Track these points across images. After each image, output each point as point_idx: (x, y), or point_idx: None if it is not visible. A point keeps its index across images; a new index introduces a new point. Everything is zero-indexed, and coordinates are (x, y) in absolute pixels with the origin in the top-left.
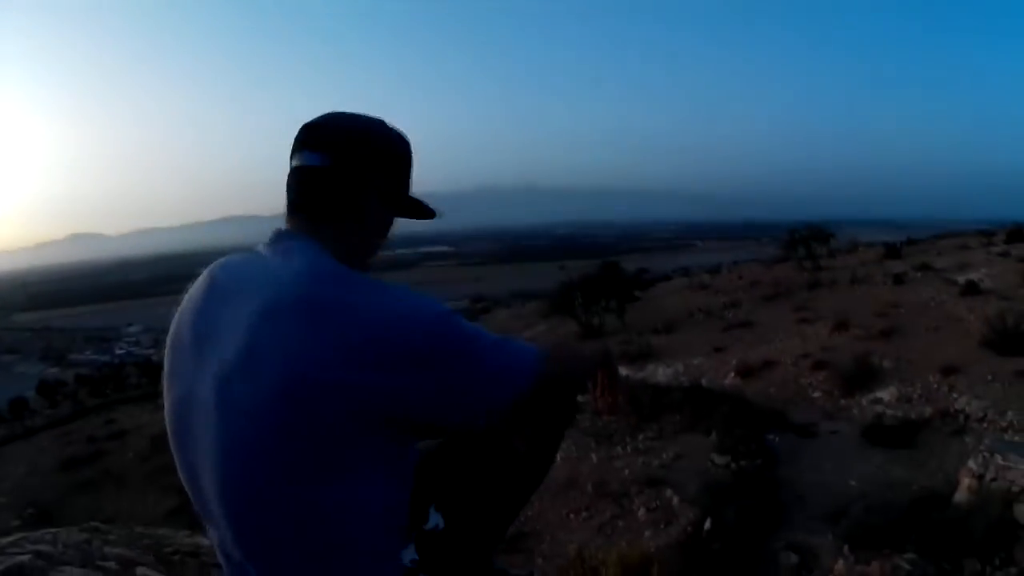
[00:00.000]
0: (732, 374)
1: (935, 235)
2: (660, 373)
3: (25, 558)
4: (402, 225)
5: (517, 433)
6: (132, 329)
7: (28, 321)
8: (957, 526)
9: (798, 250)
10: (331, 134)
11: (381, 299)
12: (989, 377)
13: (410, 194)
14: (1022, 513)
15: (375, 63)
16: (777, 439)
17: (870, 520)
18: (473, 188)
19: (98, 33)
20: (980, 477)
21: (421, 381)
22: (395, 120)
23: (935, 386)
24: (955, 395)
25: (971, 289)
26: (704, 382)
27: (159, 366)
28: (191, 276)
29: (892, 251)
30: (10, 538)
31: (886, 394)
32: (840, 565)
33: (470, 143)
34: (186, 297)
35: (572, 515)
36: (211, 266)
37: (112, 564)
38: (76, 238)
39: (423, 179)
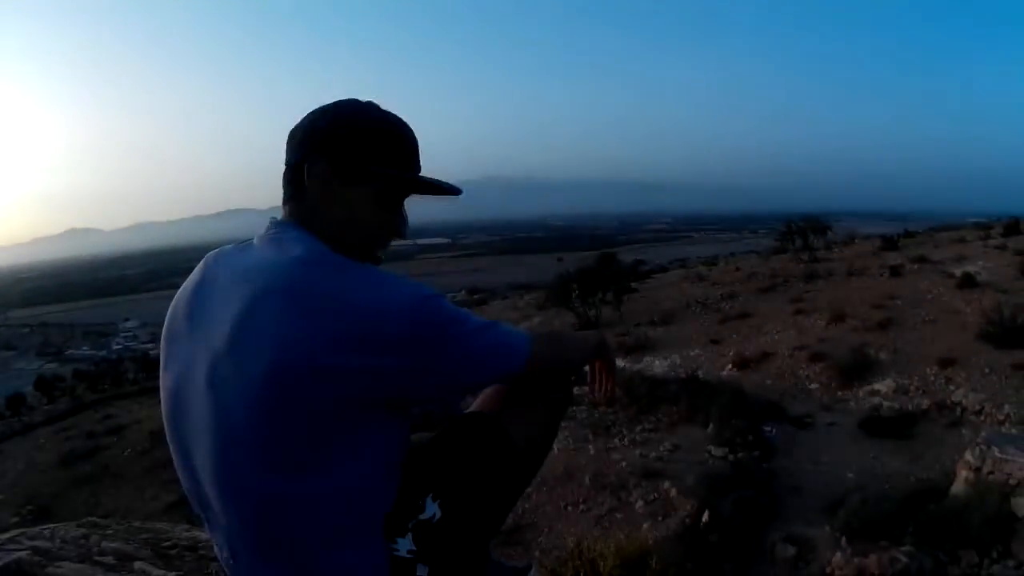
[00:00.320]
0: (729, 366)
1: (932, 227)
2: (657, 365)
3: (23, 554)
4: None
5: (512, 420)
6: (129, 324)
7: (25, 317)
8: (954, 519)
9: (795, 242)
10: (302, 130)
11: (366, 284)
12: (986, 370)
13: (414, 174)
14: (1019, 506)
15: (376, 53)
16: (774, 431)
17: (867, 512)
18: (473, 180)
19: (94, 26)
20: (977, 470)
21: (406, 364)
22: (399, 111)
23: (932, 378)
24: (952, 387)
25: (968, 282)
26: (701, 374)
27: (157, 361)
28: (188, 271)
29: (889, 243)
30: (8, 534)
31: (883, 386)
32: (838, 557)
33: (471, 135)
34: (181, 287)
35: (570, 507)
36: (206, 256)
37: (110, 559)
38: (72, 233)
39: (427, 171)
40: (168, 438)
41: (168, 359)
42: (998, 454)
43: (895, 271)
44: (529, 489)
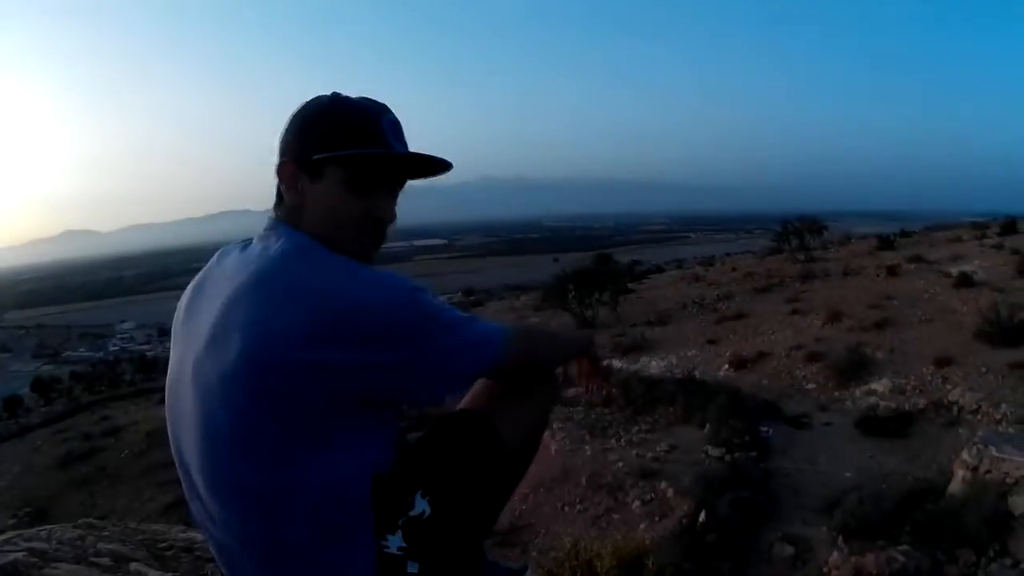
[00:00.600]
0: (726, 366)
1: (928, 227)
2: (654, 365)
3: (19, 555)
4: (397, 217)
5: (499, 416)
6: (126, 325)
7: (21, 319)
8: (951, 518)
9: (791, 242)
10: (282, 133)
11: (343, 277)
12: (983, 369)
13: (381, 150)
14: (1016, 504)
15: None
16: (771, 431)
17: (864, 511)
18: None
19: (89, 28)
20: (974, 469)
21: (382, 358)
22: (392, 108)
23: (929, 378)
24: (949, 387)
25: (965, 281)
26: (698, 374)
27: (153, 362)
28: (185, 272)
29: (885, 243)
30: (5, 536)
31: (880, 385)
32: (835, 557)
33: (465, 136)
34: (188, 286)
35: (567, 508)
36: (214, 255)
37: (106, 560)
38: (69, 235)
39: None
40: (168, 428)
41: (170, 357)
42: (995, 453)
43: (891, 271)
44: (526, 490)
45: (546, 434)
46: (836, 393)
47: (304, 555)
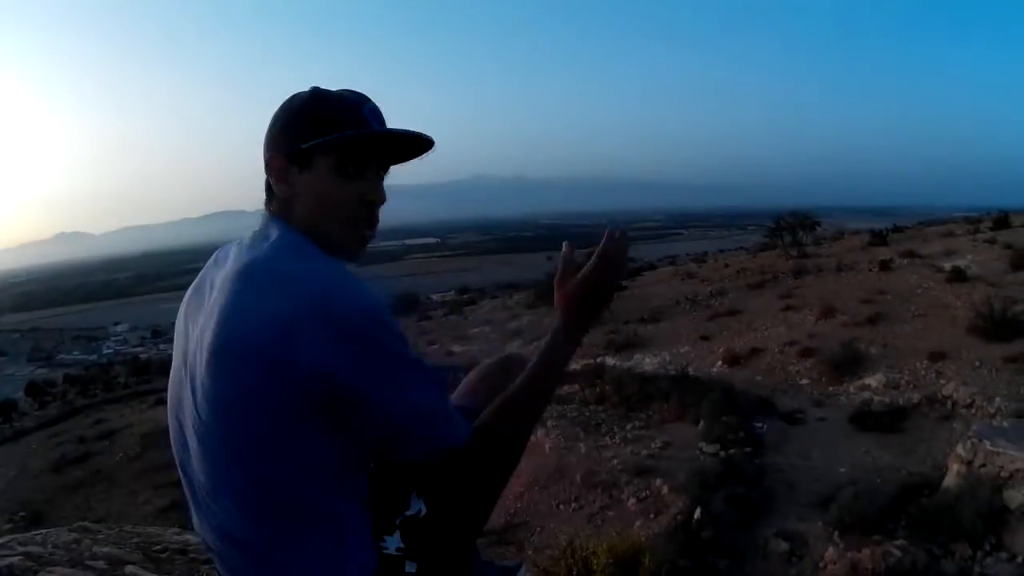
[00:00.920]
0: (719, 362)
1: (921, 222)
2: (647, 362)
3: (15, 559)
4: (388, 215)
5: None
6: (120, 328)
7: (15, 322)
8: (946, 512)
9: (784, 238)
10: (268, 130)
11: (332, 274)
12: (977, 363)
13: (365, 130)
14: (1011, 498)
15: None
16: (765, 426)
17: (859, 507)
18: (462, 179)
19: (82, 30)
20: (969, 463)
21: (347, 366)
22: (383, 110)
23: (923, 372)
24: (943, 381)
25: (958, 276)
26: (691, 371)
27: (147, 364)
28: (179, 274)
29: (878, 238)
30: (0, 540)
31: (873, 380)
32: (830, 552)
33: (460, 134)
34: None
35: (562, 506)
36: (212, 255)
37: (101, 563)
38: (62, 237)
39: (414, 171)
40: (171, 437)
41: (173, 360)
42: (989, 447)
43: (884, 266)
44: (520, 488)
45: (540, 432)
46: (830, 388)
47: (295, 554)
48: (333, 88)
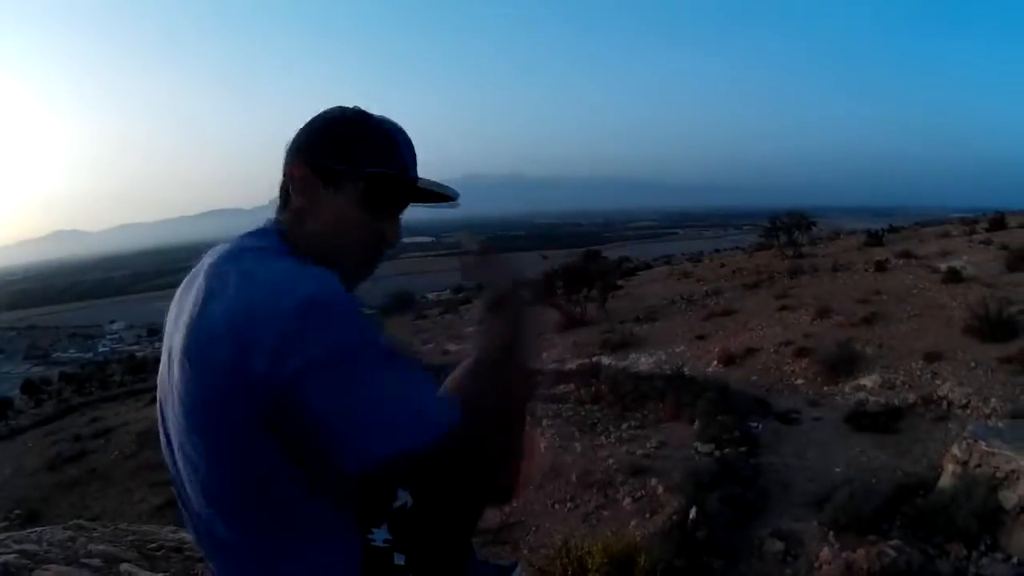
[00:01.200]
0: (714, 362)
1: (917, 223)
2: (643, 362)
3: (10, 557)
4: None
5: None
6: (115, 326)
7: (11, 320)
8: (942, 512)
9: (780, 238)
10: (291, 140)
11: (295, 271)
12: (972, 364)
13: (402, 174)
14: (1006, 498)
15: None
16: (760, 426)
17: (854, 507)
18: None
19: (77, 29)
20: (964, 463)
21: (301, 364)
22: (380, 109)
23: (918, 373)
24: (938, 381)
25: (953, 276)
26: (687, 370)
27: (143, 362)
28: (174, 271)
29: (874, 238)
30: None
31: (869, 381)
32: (825, 552)
33: (456, 133)
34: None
35: (557, 505)
36: (205, 254)
37: (96, 561)
38: (58, 235)
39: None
40: (160, 436)
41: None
42: (985, 447)
43: (880, 266)
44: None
45: (535, 431)
46: (825, 388)
47: (285, 557)
48: (375, 113)
